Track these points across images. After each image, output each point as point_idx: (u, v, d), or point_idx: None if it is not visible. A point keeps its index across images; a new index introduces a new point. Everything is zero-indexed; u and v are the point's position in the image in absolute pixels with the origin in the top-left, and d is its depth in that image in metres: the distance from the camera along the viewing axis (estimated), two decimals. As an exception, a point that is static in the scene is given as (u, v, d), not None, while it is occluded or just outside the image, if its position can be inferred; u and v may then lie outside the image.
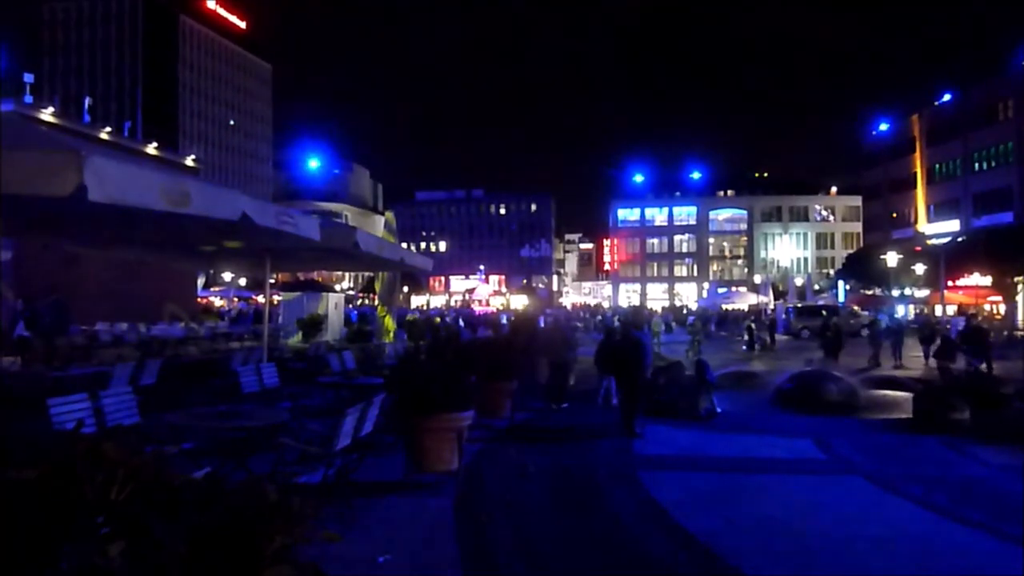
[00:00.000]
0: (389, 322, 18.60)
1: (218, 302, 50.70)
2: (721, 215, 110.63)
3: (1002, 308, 48.14)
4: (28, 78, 46.70)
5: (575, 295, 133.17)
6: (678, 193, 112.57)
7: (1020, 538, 6.36)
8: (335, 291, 33.48)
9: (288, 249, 9.57)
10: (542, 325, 23.68)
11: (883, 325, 27.10)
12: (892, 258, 45.63)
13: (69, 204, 4.77)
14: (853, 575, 5.66)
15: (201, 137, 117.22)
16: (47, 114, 41.00)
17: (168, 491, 2.35)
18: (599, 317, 47.85)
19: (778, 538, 6.42)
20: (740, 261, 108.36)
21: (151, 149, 44.59)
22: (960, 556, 6.06)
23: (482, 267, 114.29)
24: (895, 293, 50.86)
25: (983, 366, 18.74)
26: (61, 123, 41.02)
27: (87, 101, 64.31)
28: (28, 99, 44.68)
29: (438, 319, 35.17)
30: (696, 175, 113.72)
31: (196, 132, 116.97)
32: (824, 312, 43.61)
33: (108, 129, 45.25)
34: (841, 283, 63.04)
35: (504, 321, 40.14)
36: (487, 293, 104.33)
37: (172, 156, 49.17)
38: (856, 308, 48.68)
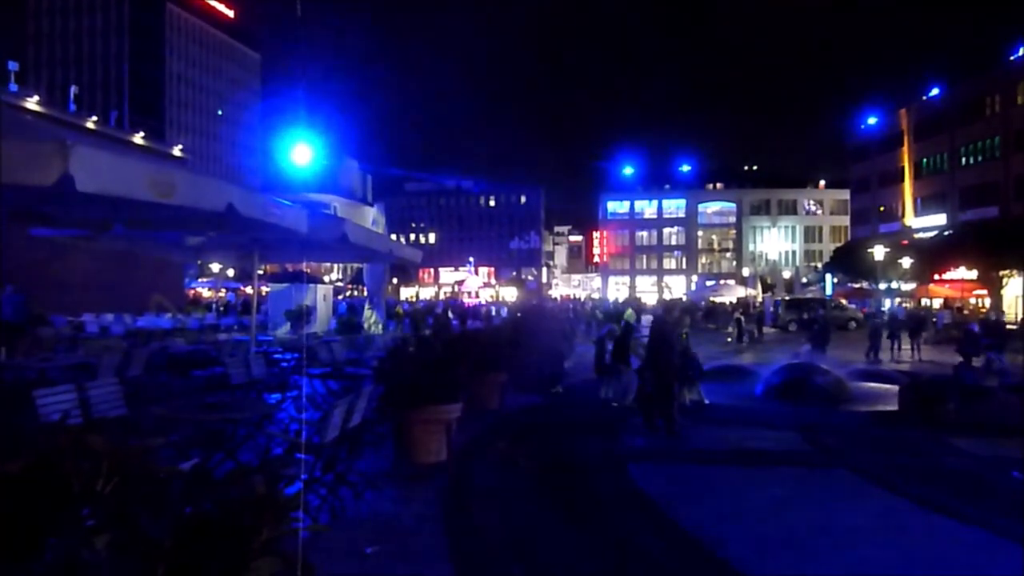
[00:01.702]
0: (374, 317, 18.78)
1: (206, 293, 50.46)
2: (710, 208, 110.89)
3: (987, 302, 48.56)
4: (13, 66, 46.23)
5: (564, 287, 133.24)
6: (667, 186, 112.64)
7: (1002, 527, 6.43)
8: (323, 282, 33.41)
9: (276, 240, 9.53)
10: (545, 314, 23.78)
11: (883, 318, 27.15)
12: (879, 252, 45.90)
13: (55, 194, 4.74)
14: (838, 565, 5.72)
15: (189, 127, 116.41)
16: (32, 103, 40.60)
17: (154, 483, 2.34)
18: (594, 309, 47.78)
19: (765, 529, 6.46)
20: (729, 254, 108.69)
21: (138, 139, 44.27)
22: (943, 545, 6.13)
23: (471, 259, 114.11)
24: (882, 286, 51.21)
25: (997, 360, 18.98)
26: (46, 112, 40.63)
27: (73, 90, 63.70)
28: (13, 88, 44.21)
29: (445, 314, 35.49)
30: (685, 168, 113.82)
31: (183, 122, 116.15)
32: (811, 305, 43.99)
33: (94, 118, 44.89)
34: (829, 276, 63.41)
35: (494, 313, 40.23)
36: (476, 285, 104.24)
37: (159, 146, 48.84)
38: (843, 301, 49.00)
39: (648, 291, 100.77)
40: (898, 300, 47.55)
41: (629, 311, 34.58)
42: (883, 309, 46.11)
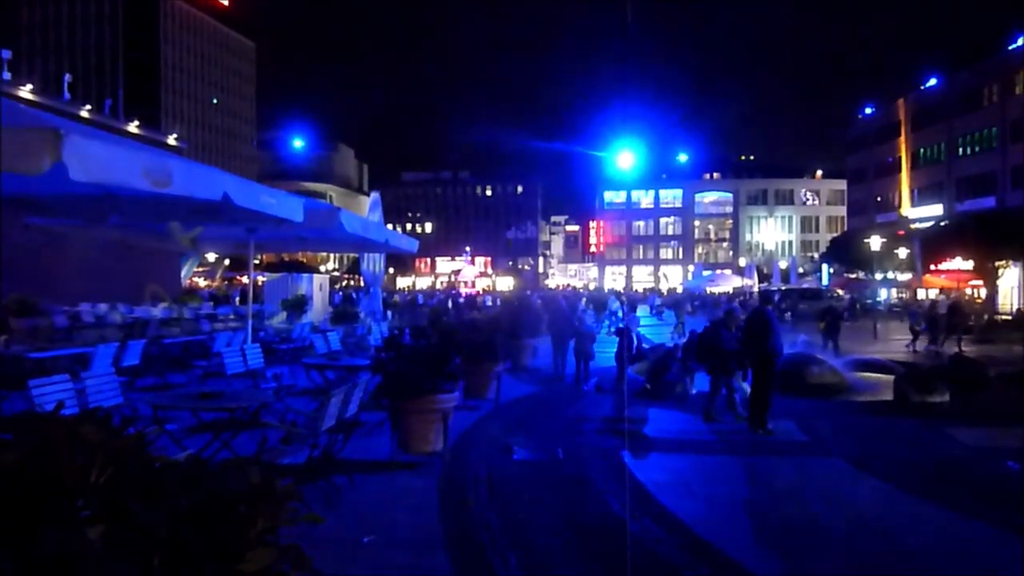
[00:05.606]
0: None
1: (202, 282, 50.38)
2: (707, 198, 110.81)
3: (983, 292, 48.64)
4: (6, 54, 45.94)
5: (561, 277, 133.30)
6: (664, 176, 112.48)
7: (996, 518, 6.46)
8: (320, 272, 33.40)
9: (272, 230, 9.50)
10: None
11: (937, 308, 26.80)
12: (876, 242, 45.93)
13: (49, 183, 4.70)
14: (833, 554, 5.73)
15: (184, 116, 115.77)
16: (25, 91, 40.39)
17: (149, 473, 2.32)
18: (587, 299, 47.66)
19: (760, 519, 6.48)
20: (725, 244, 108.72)
21: (133, 128, 44.09)
22: (937, 536, 6.15)
23: (468, 248, 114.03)
24: (878, 277, 51.29)
25: None
26: (40, 100, 40.43)
27: (67, 79, 63.23)
28: (6, 76, 43.96)
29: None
30: (683, 158, 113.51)
31: (178, 111, 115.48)
32: (807, 295, 44.07)
33: (88, 107, 44.70)
34: (825, 266, 63.43)
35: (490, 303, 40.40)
36: (473, 275, 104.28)
37: (154, 134, 48.64)
38: (839, 291, 49.05)
39: (645, 281, 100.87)
40: (938, 292, 47.08)
41: (615, 302, 34.48)
42: (879, 299, 46.15)
